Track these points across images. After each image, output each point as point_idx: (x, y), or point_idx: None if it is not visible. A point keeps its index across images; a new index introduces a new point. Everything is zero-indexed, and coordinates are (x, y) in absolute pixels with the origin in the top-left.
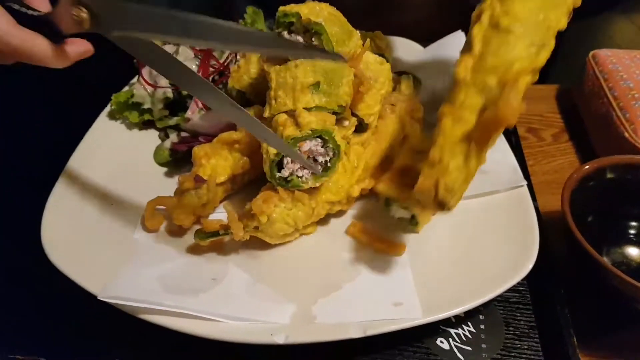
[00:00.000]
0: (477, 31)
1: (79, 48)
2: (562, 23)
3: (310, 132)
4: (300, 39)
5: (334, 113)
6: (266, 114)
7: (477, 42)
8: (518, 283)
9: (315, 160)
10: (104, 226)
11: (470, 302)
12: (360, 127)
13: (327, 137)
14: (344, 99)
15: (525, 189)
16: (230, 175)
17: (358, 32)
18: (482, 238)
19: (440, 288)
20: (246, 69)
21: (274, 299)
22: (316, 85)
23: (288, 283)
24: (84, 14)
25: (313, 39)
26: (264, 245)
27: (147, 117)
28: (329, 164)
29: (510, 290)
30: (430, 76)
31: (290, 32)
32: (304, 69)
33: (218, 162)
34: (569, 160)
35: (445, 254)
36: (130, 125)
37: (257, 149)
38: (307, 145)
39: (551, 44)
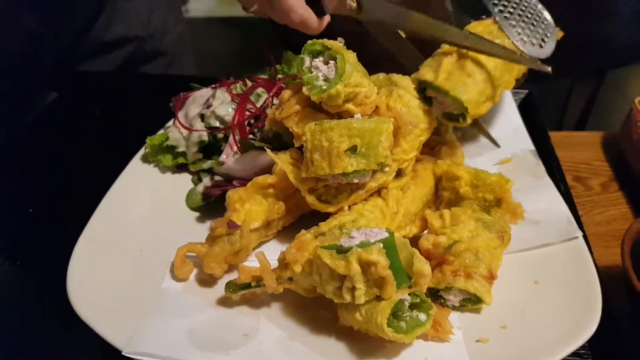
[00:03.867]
0: (447, 61)
1: (326, 20)
2: (511, 85)
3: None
4: (320, 65)
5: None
6: (303, 174)
7: (443, 71)
8: (580, 347)
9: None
10: (133, 274)
11: None
12: (397, 172)
13: None
14: (383, 156)
15: (582, 241)
16: (264, 221)
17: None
18: (537, 296)
19: (494, 353)
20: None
21: (310, 358)
22: (353, 149)
23: (325, 342)
24: (354, 3)
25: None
26: (299, 300)
27: (180, 160)
28: None
29: (571, 354)
30: None
31: (313, 58)
32: (339, 132)
33: (252, 207)
34: (620, 211)
35: (498, 317)
36: (163, 169)
37: (292, 194)
38: None
39: (496, 99)
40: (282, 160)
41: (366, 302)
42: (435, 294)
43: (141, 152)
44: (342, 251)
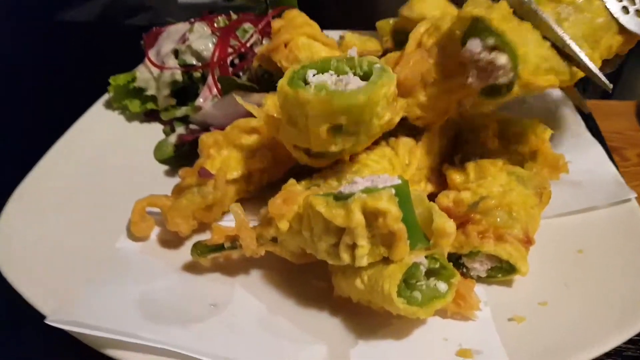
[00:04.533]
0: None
1: None
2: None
3: None
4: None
5: None
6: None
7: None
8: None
9: None
10: (82, 233)
11: (572, 356)
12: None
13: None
14: (378, 126)
15: (635, 204)
16: (245, 172)
17: None
18: (582, 268)
19: (531, 335)
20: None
21: (296, 338)
22: (337, 128)
23: (316, 317)
24: None
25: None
26: (285, 265)
27: (150, 106)
28: None
29: (626, 342)
30: None
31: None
32: (316, 110)
33: (231, 155)
34: None
35: (536, 291)
36: (130, 117)
37: (280, 143)
38: None
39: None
40: (269, 103)
41: (370, 266)
42: (456, 262)
43: (105, 97)
44: (341, 198)
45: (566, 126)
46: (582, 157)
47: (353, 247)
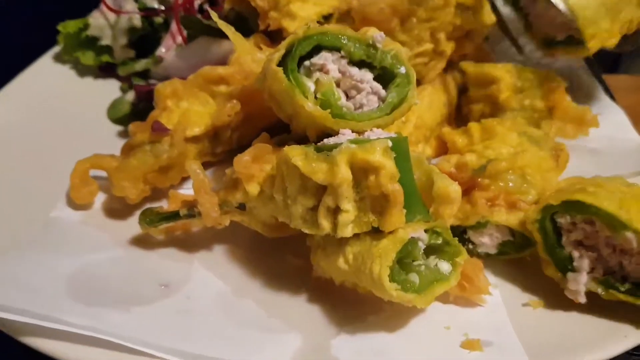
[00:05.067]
0: None
1: None
2: None
3: None
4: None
5: None
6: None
7: None
8: None
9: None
10: (12, 199)
11: (601, 347)
12: None
13: None
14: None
15: None
16: (209, 128)
17: None
18: None
19: (550, 323)
20: None
21: (265, 326)
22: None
23: (290, 301)
24: None
25: None
26: (255, 239)
27: (105, 58)
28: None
29: None
30: None
31: None
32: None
33: (192, 108)
34: None
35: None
36: (83, 71)
37: (254, 94)
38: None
39: None
40: (242, 47)
41: (356, 240)
42: (460, 237)
43: (55, 49)
44: (324, 149)
45: (581, 88)
46: (600, 122)
47: (335, 211)
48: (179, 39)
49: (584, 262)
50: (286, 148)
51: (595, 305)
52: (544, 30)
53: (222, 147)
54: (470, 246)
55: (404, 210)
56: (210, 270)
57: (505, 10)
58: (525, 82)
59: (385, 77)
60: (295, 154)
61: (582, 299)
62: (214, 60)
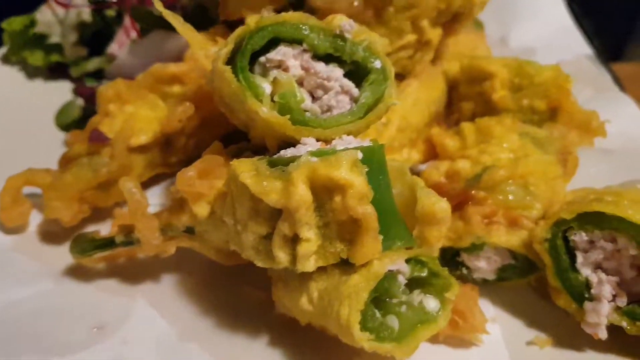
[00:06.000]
0: None
1: None
2: None
3: None
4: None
5: None
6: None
7: None
8: None
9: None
10: None
11: None
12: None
13: None
14: None
15: None
16: (158, 135)
17: None
18: None
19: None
20: None
21: None
22: None
23: (248, 344)
24: None
25: None
26: (210, 268)
27: (55, 58)
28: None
29: None
30: None
31: None
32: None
33: (139, 111)
34: None
35: None
36: (32, 73)
37: (211, 95)
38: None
39: None
40: (194, 41)
41: (323, 272)
42: (451, 261)
43: (1, 50)
44: (279, 163)
45: (587, 79)
46: (611, 117)
47: (294, 240)
48: (134, 34)
49: (604, 289)
50: (234, 162)
51: (618, 342)
52: None
53: (176, 157)
54: (465, 271)
55: (380, 237)
56: (154, 307)
57: None
58: (525, 79)
59: (358, 73)
60: (245, 169)
61: (603, 334)
62: (171, 56)
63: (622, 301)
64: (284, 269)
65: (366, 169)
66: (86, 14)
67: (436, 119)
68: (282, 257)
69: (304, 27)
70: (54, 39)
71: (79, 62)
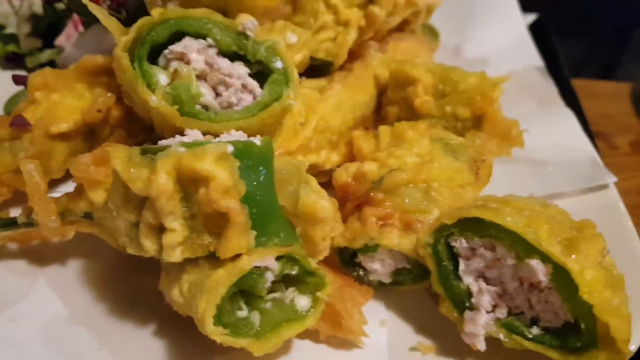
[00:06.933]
0: None
1: None
2: None
3: None
4: None
5: None
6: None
7: None
8: None
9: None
10: None
11: None
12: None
13: None
14: None
15: (614, 192)
16: (79, 123)
17: None
18: None
19: None
20: None
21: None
22: None
23: (136, 332)
24: None
25: None
26: (118, 256)
27: (12, 48)
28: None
29: None
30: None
31: None
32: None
33: (63, 100)
34: None
35: None
36: None
37: None
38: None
39: None
40: (118, 33)
41: (195, 265)
42: (350, 262)
43: None
44: (149, 152)
45: (533, 90)
46: (550, 130)
47: (161, 230)
48: (82, 28)
49: (484, 298)
50: (109, 148)
51: (501, 355)
52: None
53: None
54: (362, 273)
55: (252, 232)
56: (53, 289)
57: None
58: (448, 85)
59: (264, 73)
60: (117, 156)
61: (482, 346)
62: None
63: (502, 312)
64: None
65: (238, 164)
66: (37, 6)
67: (363, 122)
68: (148, 245)
69: (208, 22)
70: (10, 29)
71: (33, 52)
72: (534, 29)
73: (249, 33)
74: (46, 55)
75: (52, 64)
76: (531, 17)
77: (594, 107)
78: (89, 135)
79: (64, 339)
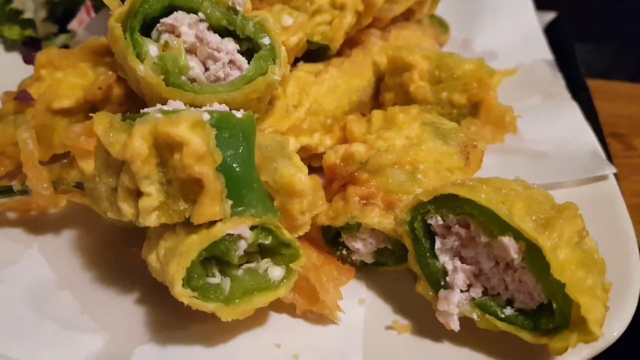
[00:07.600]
0: None
1: None
2: None
3: None
4: None
5: None
6: None
7: None
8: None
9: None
10: None
11: None
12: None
13: None
14: None
15: (613, 183)
16: (80, 100)
17: None
18: None
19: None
20: None
21: (72, 323)
22: None
23: (117, 299)
24: None
25: None
26: (109, 227)
27: (29, 33)
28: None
29: None
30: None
31: None
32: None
33: (66, 78)
34: None
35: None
36: (9, 46)
37: None
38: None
39: None
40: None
41: (172, 232)
42: (334, 240)
43: None
44: (129, 118)
45: (540, 83)
46: (554, 123)
47: (138, 195)
48: (93, 12)
49: (458, 277)
50: (95, 114)
51: (472, 335)
52: None
53: None
54: (345, 252)
55: (227, 201)
56: (45, 255)
57: None
58: (444, 71)
59: (254, 52)
60: (100, 122)
61: (455, 325)
62: None
63: (477, 292)
64: (153, 228)
65: (215, 132)
66: None
67: (360, 108)
68: (126, 209)
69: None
70: (28, 14)
71: (50, 37)
72: (551, 26)
73: (238, 8)
74: (61, 40)
75: (66, 48)
76: (550, 16)
77: (614, 108)
78: (91, 112)
79: (50, 302)
